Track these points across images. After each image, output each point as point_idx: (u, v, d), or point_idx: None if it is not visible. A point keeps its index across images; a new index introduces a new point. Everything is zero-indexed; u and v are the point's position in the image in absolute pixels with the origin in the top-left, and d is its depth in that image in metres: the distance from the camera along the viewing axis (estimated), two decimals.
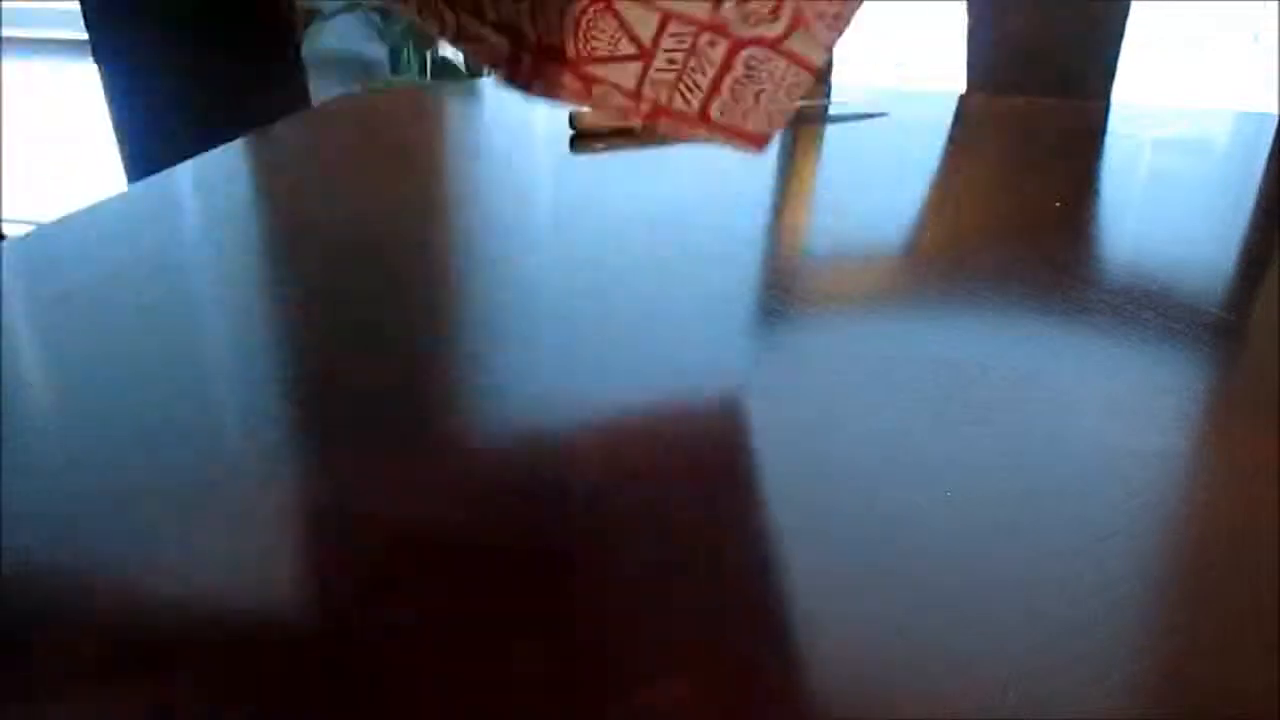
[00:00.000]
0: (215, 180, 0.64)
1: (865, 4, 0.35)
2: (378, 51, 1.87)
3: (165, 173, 0.63)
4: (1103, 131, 0.71)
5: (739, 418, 0.35)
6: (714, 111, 0.37)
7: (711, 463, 0.32)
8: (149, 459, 0.32)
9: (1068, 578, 0.26)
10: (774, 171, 0.64)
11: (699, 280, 0.45)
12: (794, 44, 0.35)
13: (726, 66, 0.36)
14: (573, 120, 0.69)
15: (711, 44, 0.35)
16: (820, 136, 0.70)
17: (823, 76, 0.90)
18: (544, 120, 0.71)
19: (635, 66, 0.37)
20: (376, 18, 1.83)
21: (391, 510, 0.29)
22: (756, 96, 0.37)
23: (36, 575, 0.27)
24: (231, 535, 0.29)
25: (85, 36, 1.23)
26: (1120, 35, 0.85)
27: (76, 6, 1.23)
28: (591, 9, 0.35)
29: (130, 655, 0.24)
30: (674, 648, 0.24)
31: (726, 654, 0.23)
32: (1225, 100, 1.98)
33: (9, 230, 0.88)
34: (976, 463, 0.32)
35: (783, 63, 0.36)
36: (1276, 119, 0.71)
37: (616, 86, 0.37)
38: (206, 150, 0.66)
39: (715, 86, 0.37)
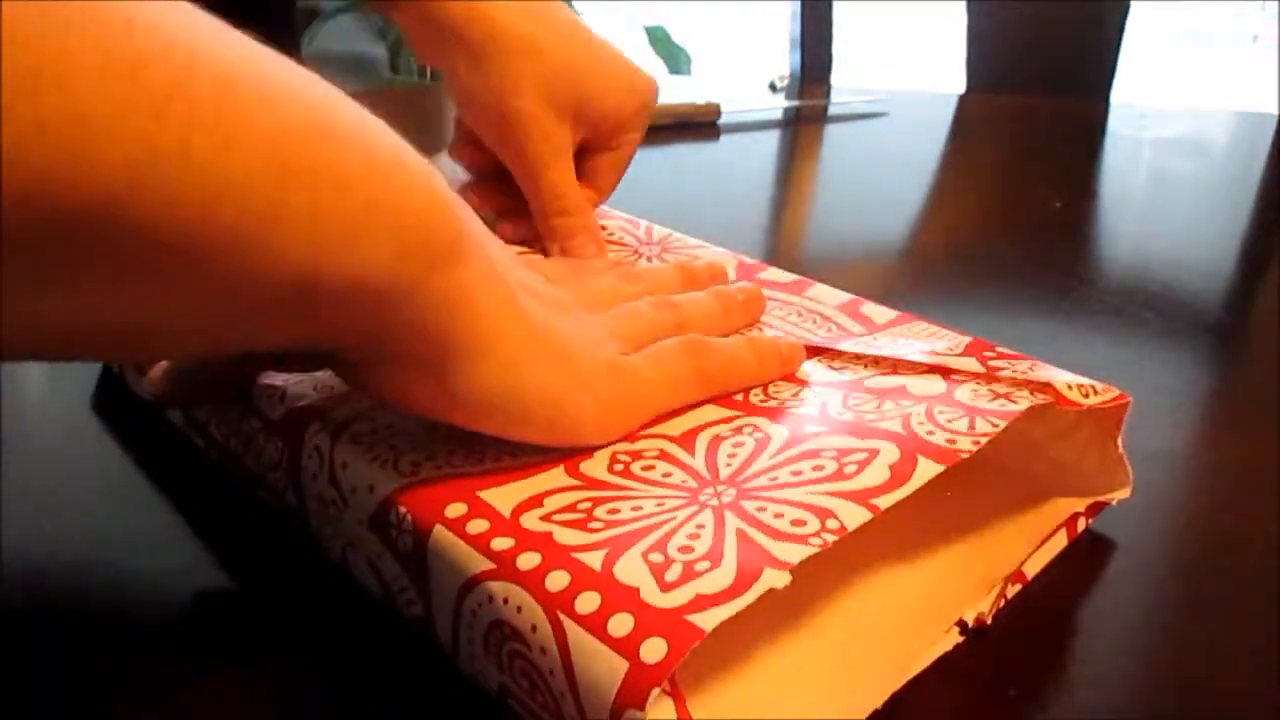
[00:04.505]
0: None
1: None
2: (378, 51, 1.87)
3: None
4: (1103, 131, 0.71)
5: None
6: None
7: None
8: (149, 458, 0.32)
9: (1066, 577, 0.26)
10: (774, 171, 0.64)
11: None
12: None
13: None
14: None
15: None
16: (820, 136, 0.70)
17: (824, 76, 0.90)
18: None
19: None
20: (377, 17, 1.82)
21: None
22: None
23: (36, 573, 0.27)
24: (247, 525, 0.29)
25: None
26: (1120, 34, 0.85)
27: None
28: None
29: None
30: None
31: None
32: (1225, 100, 1.98)
33: None
34: None
35: None
36: (1276, 119, 0.71)
37: None
38: None
39: None
